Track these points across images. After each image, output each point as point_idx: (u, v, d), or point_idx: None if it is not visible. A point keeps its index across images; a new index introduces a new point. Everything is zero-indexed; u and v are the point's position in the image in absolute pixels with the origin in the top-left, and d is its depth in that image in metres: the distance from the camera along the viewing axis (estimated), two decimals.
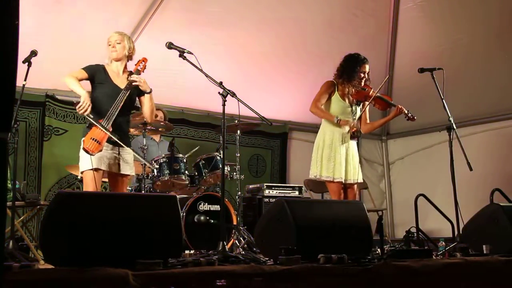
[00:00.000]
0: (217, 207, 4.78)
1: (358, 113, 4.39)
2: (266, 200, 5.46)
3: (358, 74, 4.26)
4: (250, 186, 5.75)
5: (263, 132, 6.89)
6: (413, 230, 4.84)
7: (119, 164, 3.67)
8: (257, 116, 3.45)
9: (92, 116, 3.49)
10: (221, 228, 3.13)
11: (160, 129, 5.23)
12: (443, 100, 3.99)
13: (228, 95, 3.24)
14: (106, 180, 3.91)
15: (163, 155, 4.83)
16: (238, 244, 4.56)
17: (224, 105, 3.24)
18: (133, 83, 3.68)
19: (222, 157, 3.40)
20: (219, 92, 3.24)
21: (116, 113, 3.56)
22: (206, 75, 3.33)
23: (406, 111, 4.29)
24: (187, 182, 4.92)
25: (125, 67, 3.83)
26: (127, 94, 3.64)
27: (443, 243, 4.08)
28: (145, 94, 3.79)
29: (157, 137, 5.52)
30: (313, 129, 6.44)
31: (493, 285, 2.79)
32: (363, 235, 3.03)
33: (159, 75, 5.59)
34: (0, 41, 1.20)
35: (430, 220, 5.79)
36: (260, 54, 6.04)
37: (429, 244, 4.77)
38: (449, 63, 5.71)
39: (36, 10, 4.69)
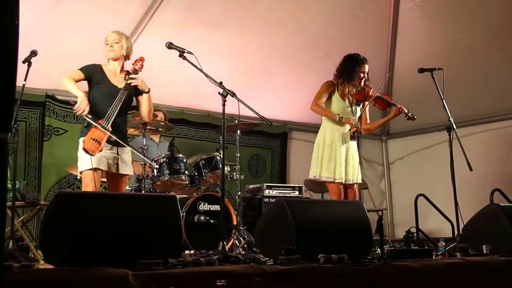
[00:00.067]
0: (217, 207, 4.78)
1: (358, 113, 4.39)
2: (266, 200, 5.46)
3: (358, 74, 4.26)
4: (250, 186, 5.75)
5: (263, 132, 6.89)
6: (413, 230, 4.84)
7: (117, 164, 3.67)
8: (257, 116, 3.45)
9: (90, 116, 3.49)
10: (221, 228, 3.13)
11: (160, 129, 5.23)
12: (443, 100, 3.99)
13: (228, 95, 3.24)
14: (105, 180, 3.90)
15: (163, 155, 4.83)
16: (238, 244, 4.56)
17: (224, 105, 3.24)
18: (132, 83, 3.68)
19: (222, 157, 3.39)
20: (219, 92, 3.24)
21: (115, 113, 3.56)
22: (206, 75, 3.33)
23: (406, 111, 4.30)
24: (187, 182, 4.91)
25: (122, 66, 3.83)
26: (125, 94, 3.64)
27: (443, 243, 4.08)
28: (143, 94, 3.79)
29: (156, 138, 5.51)
30: (313, 129, 6.44)
31: (493, 285, 2.79)
32: (363, 235, 3.03)
33: (159, 75, 5.60)
34: (0, 41, 1.20)
35: (430, 220, 5.79)
36: (260, 54, 6.04)
37: (429, 244, 4.77)
38: (449, 63, 5.70)
39: (36, 10, 4.69)
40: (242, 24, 5.65)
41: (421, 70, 4.08)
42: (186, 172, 4.90)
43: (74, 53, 5.01)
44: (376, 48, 6.35)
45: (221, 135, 3.41)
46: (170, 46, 3.40)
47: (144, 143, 4.58)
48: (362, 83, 4.31)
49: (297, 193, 5.70)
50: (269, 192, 5.52)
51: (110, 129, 3.51)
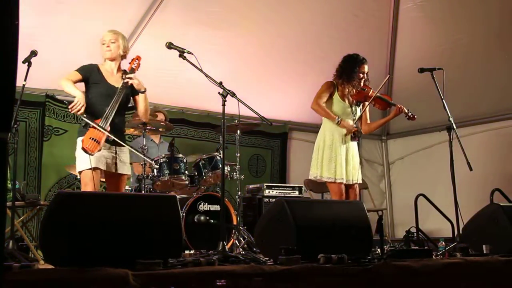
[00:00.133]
0: (217, 207, 4.78)
1: (358, 114, 4.38)
2: (266, 200, 5.46)
3: (358, 74, 4.26)
4: (250, 186, 5.75)
5: (263, 132, 6.89)
6: (413, 230, 4.84)
7: (116, 164, 3.66)
8: (257, 116, 3.45)
9: (86, 116, 3.49)
10: (221, 228, 3.13)
11: (160, 129, 5.23)
12: (443, 100, 3.99)
13: (228, 95, 3.24)
14: (103, 179, 3.90)
15: (163, 155, 4.83)
16: (238, 244, 4.56)
17: (224, 105, 3.24)
18: (129, 82, 3.67)
19: (222, 157, 3.39)
20: (219, 92, 3.24)
21: (113, 113, 3.56)
22: (206, 75, 3.33)
23: (406, 110, 4.29)
24: (187, 182, 4.91)
25: (119, 66, 3.81)
26: (123, 94, 3.63)
27: (443, 243, 4.08)
28: (140, 94, 3.78)
29: (157, 139, 5.51)
30: (313, 129, 6.45)
31: (493, 285, 2.79)
32: (363, 235, 3.03)
33: (159, 75, 5.60)
34: (0, 41, 1.20)
35: (430, 220, 5.79)
36: (261, 54, 6.04)
37: (429, 244, 4.77)
38: (449, 63, 5.70)
39: (36, 10, 4.69)
40: (242, 24, 5.65)
41: (421, 70, 4.08)
42: (186, 172, 4.90)
43: (74, 53, 5.01)
44: (376, 48, 6.35)
45: (221, 135, 3.41)
46: (170, 46, 3.40)
47: (144, 143, 4.58)
48: (362, 84, 4.30)
49: (297, 193, 5.71)
50: (269, 192, 5.53)
51: (109, 129, 3.50)
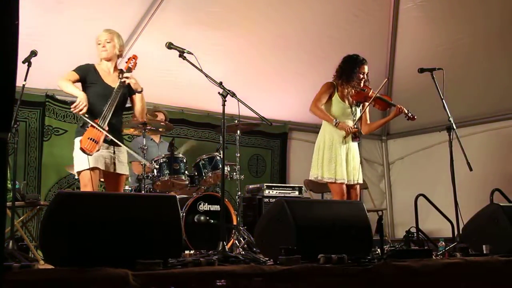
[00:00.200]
0: (217, 207, 4.78)
1: (358, 114, 4.38)
2: (266, 200, 5.46)
3: (357, 75, 4.26)
4: (250, 186, 5.75)
5: (263, 132, 6.89)
6: (413, 230, 4.84)
7: (114, 164, 3.66)
8: (257, 116, 3.45)
9: (88, 116, 3.48)
10: (221, 228, 3.13)
11: (160, 129, 5.23)
12: (443, 100, 3.99)
13: (228, 95, 3.24)
14: (102, 179, 3.90)
15: (163, 155, 4.83)
16: (238, 244, 4.55)
17: (224, 105, 3.24)
18: (126, 81, 3.66)
19: (222, 157, 3.39)
20: (219, 92, 3.24)
21: (111, 113, 3.55)
22: (206, 75, 3.33)
23: (406, 111, 4.29)
24: (187, 182, 4.91)
25: (116, 65, 3.81)
26: (120, 93, 3.63)
27: (443, 243, 4.08)
28: (136, 93, 3.77)
29: (157, 138, 5.51)
30: (313, 129, 6.45)
31: (493, 285, 2.79)
32: (363, 235, 3.03)
33: (159, 75, 5.60)
34: (0, 41, 1.20)
35: (430, 220, 5.79)
36: (260, 54, 6.04)
37: (429, 244, 4.77)
38: (450, 63, 5.71)
39: (36, 10, 4.69)
40: (242, 23, 5.65)
41: (421, 70, 4.08)
42: (186, 172, 4.90)
43: (74, 53, 5.00)
44: (376, 48, 6.35)
45: (221, 135, 3.41)
46: (170, 46, 3.40)
47: (144, 143, 4.58)
48: (362, 84, 4.30)
49: (297, 193, 5.71)
50: (269, 192, 5.53)
51: (107, 128, 3.50)
